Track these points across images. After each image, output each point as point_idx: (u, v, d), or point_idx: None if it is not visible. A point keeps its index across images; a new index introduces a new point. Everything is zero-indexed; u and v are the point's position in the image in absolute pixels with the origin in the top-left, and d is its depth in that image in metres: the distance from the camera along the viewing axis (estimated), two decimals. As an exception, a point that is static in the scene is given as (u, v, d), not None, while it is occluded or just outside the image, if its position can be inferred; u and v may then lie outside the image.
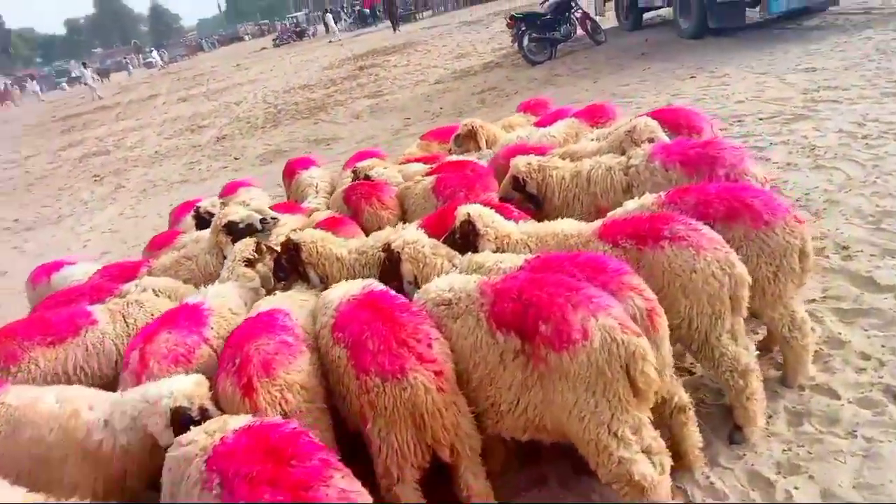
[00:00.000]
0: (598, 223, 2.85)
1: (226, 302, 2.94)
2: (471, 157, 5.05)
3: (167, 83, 34.99)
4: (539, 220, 3.73)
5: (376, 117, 12.36)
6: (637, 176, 3.46)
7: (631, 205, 3.01)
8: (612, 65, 11.60)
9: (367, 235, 3.87)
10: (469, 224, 2.87)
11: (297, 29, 50.32)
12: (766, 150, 5.94)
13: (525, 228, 2.98)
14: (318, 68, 24.25)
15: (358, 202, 4.00)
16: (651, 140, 3.72)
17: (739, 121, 6.89)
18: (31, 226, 9.77)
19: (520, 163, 3.71)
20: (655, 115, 4.16)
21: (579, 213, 3.62)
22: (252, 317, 2.67)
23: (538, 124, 5.03)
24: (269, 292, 3.23)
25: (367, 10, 45.38)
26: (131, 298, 3.17)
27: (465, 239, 2.89)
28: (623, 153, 3.73)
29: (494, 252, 2.84)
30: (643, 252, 2.62)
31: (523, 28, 13.45)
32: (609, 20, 16.43)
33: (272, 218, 3.80)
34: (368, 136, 10.75)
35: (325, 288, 2.97)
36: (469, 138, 5.12)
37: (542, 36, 13.48)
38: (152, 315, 3.05)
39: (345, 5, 54.49)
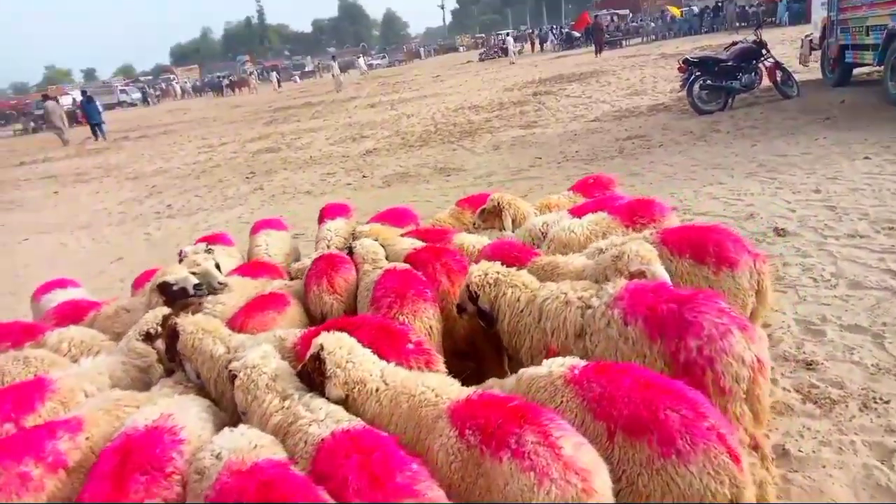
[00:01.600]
0: (457, 397, 2.20)
1: (80, 383, 2.76)
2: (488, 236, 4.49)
3: (371, 87, 37.53)
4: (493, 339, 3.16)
5: (513, 151, 11.90)
6: (593, 322, 2.69)
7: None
8: (785, 127, 9.93)
9: (310, 321, 3.54)
10: (317, 361, 2.38)
11: (504, 46, 51.19)
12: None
13: (391, 376, 2.40)
14: (500, 88, 24.29)
15: (309, 278, 3.65)
16: (641, 274, 2.90)
17: (891, 229, 5.39)
18: (174, 214, 10.83)
19: (475, 271, 3.10)
20: (673, 234, 3.27)
21: (527, 349, 2.94)
22: (127, 431, 2.24)
23: (572, 211, 4.27)
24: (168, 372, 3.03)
25: (576, 33, 44.71)
26: (22, 354, 3.13)
27: (310, 378, 2.41)
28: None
29: (342, 401, 2.34)
30: (483, 457, 1.95)
31: (697, 73, 12.09)
32: (814, 71, 14.29)
33: (219, 283, 3.61)
34: (488, 172, 10.36)
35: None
36: (494, 215, 4.51)
37: (717, 84, 12.01)
38: (34, 375, 2.97)
39: (555, 27, 54.35)
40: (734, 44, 12.98)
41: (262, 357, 2.47)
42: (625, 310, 2.61)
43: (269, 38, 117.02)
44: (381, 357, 2.53)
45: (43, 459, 2.14)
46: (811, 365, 3.70)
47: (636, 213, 3.93)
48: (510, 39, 43.62)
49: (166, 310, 3.21)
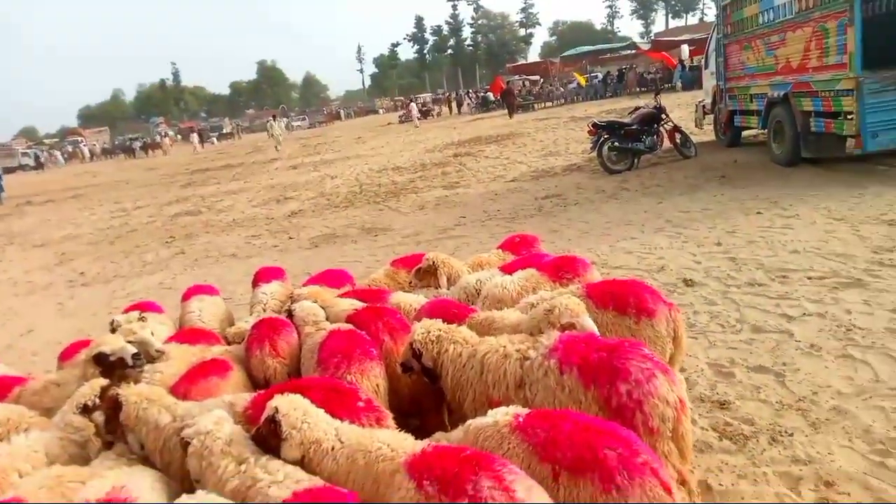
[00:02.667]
0: (411, 450, 2.32)
1: (14, 462, 2.66)
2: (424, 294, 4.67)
3: (292, 148, 37.57)
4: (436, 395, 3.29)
5: (438, 211, 12.26)
6: (532, 372, 2.89)
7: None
8: (686, 185, 10.82)
9: (254, 386, 3.55)
10: (272, 423, 2.44)
11: (424, 109, 52.77)
12: (793, 321, 5.04)
13: (345, 434, 2.49)
14: (422, 150, 24.96)
15: (250, 343, 3.68)
16: (571, 326, 3.14)
17: (783, 277, 5.97)
18: (88, 282, 10.38)
19: (418, 328, 3.25)
20: (597, 288, 3.58)
21: (471, 402, 3.09)
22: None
23: (503, 268, 4.54)
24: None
25: (492, 96, 46.74)
26: None
27: (265, 441, 2.46)
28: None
29: (298, 462, 2.40)
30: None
31: (605, 136, 13.01)
32: (708, 133, 15.69)
33: (157, 351, 3.58)
34: (415, 232, 10.60)
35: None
36: (430, 274, 4.72)
37: (623, 146, 12.96)
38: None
39: (470, 90, 56.69)
40: (637, 108, 14.12)
41: (215, 423, 2.49)
42: (560, 360, 2.83)
43: (186, 99, 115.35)
44: (333, 416, 2.61)
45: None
46: (724, 405, 4.03)
47: (561, 269, 4.23)
48: (413, 105, 45.38)
49: (104, 381, 3.13)
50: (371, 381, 3.10)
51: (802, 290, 5.62)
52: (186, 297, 5.15)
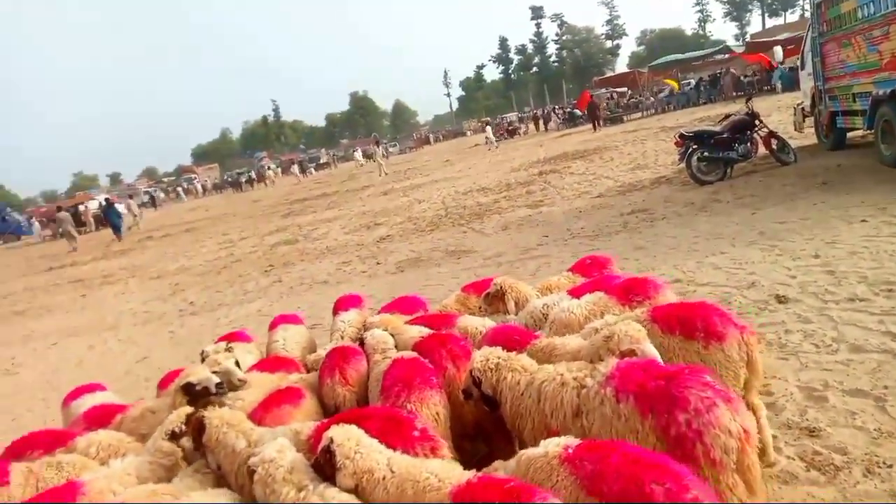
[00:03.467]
0: (458, 480, 2.36)
1: (109, 484, 2.94)
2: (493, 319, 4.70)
3: (380, 177, 38.76)
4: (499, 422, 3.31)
5: (521, 231, 12.24)
6: (588, 401, 2.86)
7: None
8: (784, 193, 10.20)
9: (325, 413, 3.71)
10: (327, 453, 2.56)
11: (510, 128, 52.98)
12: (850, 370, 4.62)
13: (396, 464, 2.57)
14: (507, 169, 25.04)
15: (322, 371, 3.86)
16: (631, 353, 3.08)
17: (889, 291, 5.51)
18: (196, 311, 11.17)
19: (478, 357, 3.30)
20: (663, 312, 3.46)
21: (530, 430, 3.08)
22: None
23: (571, 292, 4.49)
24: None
25: (579, 111, 46.19)
26: (55, 459, 3.33)
27: (323, 469, 2.58)
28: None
29: (352, 490, 2.50)
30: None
31: (693, 147, 12.53)
32: (810, 137, 14.73)
33: (239, 380, 3.82)
34: (497, 253, 10.64)
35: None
36: (498, 299, 4.74)
37: (714, 155, 12.42)
38: (68, 479, 3.16)
39: (557, 106, 56.29)
40: (727, 116, 13.53)
41: (278, 451, 2.65)
42: (616, 388, 2.78)
43: (286, 133, 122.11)
44: (388, 445, 2.70)
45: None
46: (814, 432, 3.77)
47: (631, 292, 4.13)
48: (489, 128, 45.80)
49: (189, 409, 3.40)
50: (430, 409, 3.16)
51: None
52: (272, 326, 5.47)
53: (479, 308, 4.90)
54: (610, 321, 3.61)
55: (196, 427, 3.12)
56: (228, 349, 4.50)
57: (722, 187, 11.86)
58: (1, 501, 3.03)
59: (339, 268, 12.28)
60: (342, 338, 4.91)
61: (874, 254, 6.49)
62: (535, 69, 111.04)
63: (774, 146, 12.74)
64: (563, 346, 3.48)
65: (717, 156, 12.39)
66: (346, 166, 66.54)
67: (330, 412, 3.67)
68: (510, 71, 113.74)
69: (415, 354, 3.68)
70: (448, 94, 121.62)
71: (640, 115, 40.25)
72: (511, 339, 3.68)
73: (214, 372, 3.80)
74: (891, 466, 3.34)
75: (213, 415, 3.14)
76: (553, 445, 2.48)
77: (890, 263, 6.15)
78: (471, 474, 2.40)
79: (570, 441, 2.49)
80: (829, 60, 12.06)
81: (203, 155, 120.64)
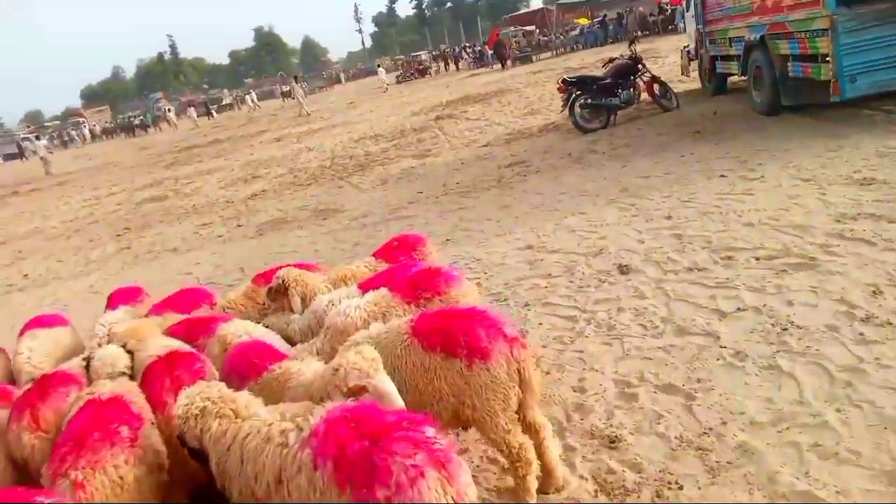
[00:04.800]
0: None
1: None
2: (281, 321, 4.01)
3: (283, 118, 36.68)
4: None
5: (398, 186, 11.52)
6: (288, 466, 2.23)
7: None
8: (657, 143, 9.91)
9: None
10: None
11: (420, 67, 51.30)
12: (725, 318, 4.30)
13: None
14: (408, 113, 24.04)
15: (11, 412, 3.03)
16: (362, 391, 2.46)
17: (729, 259, 5.20)
18: (25, 286, 9.91)
19: (181, 399, 2.60)
20: (426, 323, 2.86)
21: (238, 496, 2.44)
22: None
23: (362, 286, 3.83)
24: None
25: (489, 51, 45.05)
26: None
27: None
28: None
29: None
30: None
31: (576, 93, 12.02)
32: (696, 80, 14.55)
33: None
34: (365, 213, 9.89)
35: None
36: (282, 294, 4.04)
37: (596, 102, 11.97)
38: None
39: (467, 45, 54.88)
40: (611, 60, 13.08)
41: None
42: (315, 450, 2.16)
43: (186, 72, 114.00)
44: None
45: None
46: (615, 442, 3.36)
47: (419, 287, 3.52)
48: (381, 69, 44.64)
49: None
50: (109, 474, 2.44)
51: (745, 276, 4.86)
52: (22, 332, 4.52)
53: (264, 305, 4.19)
54: (372, 333, 3.00)
55: None
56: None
57: (602, 136, 11.49)
58: None
59: (196, 231, 11.19)
60: (99, 344, 4.06)
61: (723, 214, 6.21)
62: (449, 5, 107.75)
63: (657, 91, 12.44)
64: (297, 376, 2.83)
65: (599, 102, 11.96)
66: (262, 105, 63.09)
67: (20, 468, 2.91)
68: (423, 6, 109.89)
69: (125, 389, 2.93)
70: (360, 31, 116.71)
71: (549, 54, 39.67)
72: (248, 364, 3.00)
73: None
74: (681, 488, 2.97)
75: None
76: None
77: (736, 226, 5.88)
78: None
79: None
80: (709, 3, 11.75)
81: (93, 96, 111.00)
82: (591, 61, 26.66)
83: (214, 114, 60.02)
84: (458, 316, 2.88)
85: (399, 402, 2.46)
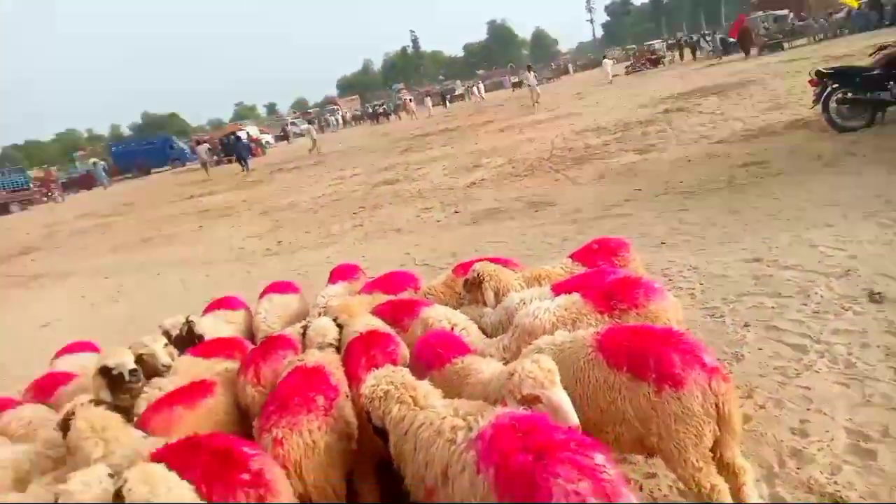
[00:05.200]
0: None
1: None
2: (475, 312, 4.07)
3: (509, 109, 37.45)
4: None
5: (615, 182, 11.09)
6: (453, 463, 2.25)
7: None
8: (940, 149, 8.20)
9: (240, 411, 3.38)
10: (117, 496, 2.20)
11: (653, 56, 48.72)
12: None
13: None
14: (635, 105, 23.04)
15: (240, 365, 3.49)
16: (535, 400, 2.38)
17: None
18: (279, 252, 11.43)
19: (368, 381, 2.76)
20: (614, 338, 2.67)
21: (410, 479, 2.53)
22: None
23: (555, 288, 3.72)
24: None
25: (732, 39, 41.21)
26: None
27: None
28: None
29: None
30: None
31: (833, 85, 10.44)
32: None
33: (163, 366, 3.59)
34: (577, 208, 9.67)
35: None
36: (476, 287, 4.08)
37: (860, 96, 10.27)
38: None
39: (707, 33, 50.63)
40: (883, 48, 11.10)
41: (83, 483, 2.36)
42: (480, 454, 2.15)
43: (425, 65, 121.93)
44: (207, 490, 2.30)
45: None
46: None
47: (615, 297, 3.31)
48: (607, 61, 41.78)
49: (76, 401, 3.18)
50: (304, 437, 2.69)
51: None
52: (261, 295, 5.22)
53: (459, 295, 4.29)
54: (566, 339, 2.89)
55: (62, 427, 2.93)
56: (189, 322, 4.32)
57: (865, 136, 9.85)
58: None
59: (418, 214, 11.94)
60: (319, 315, 4.51)
61: None
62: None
63: (947, 85, 10.26)
64: (476, 374, 2.83)
65: (863, 97, 10.23)
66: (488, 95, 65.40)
67: (243, 413, 3.35)
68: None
69: (327, 361, 3.21)
70: (591, 21, 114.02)
71: (804, 41, 35.04)
72: (433, 353, 3.09)
73: (140, 355, 3.60)
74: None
75: (82, 414, 2.92)
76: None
77: None
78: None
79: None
80: None
81: (347, 86, 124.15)
82: (859, 48, 22.95)
83: (447, 103, 63.45)
84: (651, 335, 2.65)
85: (573, 419, 2.34)
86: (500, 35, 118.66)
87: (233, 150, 34.91)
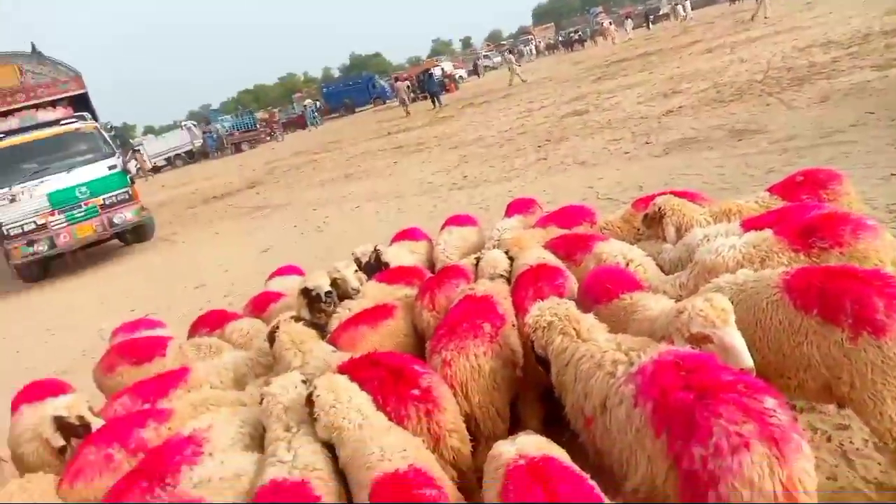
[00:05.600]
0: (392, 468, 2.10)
1: (208, 376, 3.41)
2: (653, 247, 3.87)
3: (722, 26, 33.72)
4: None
5: (842, 105, 9.60)
6: (612, 395, 2.23)
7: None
8: None
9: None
10: (309, 402, 2.55)
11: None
12: None
13: (365, 429, 2.42)
14: (880, 13, 19.53)
15: (418, 292, 3.72)
16: (704, 339, 2.25)
17: None
18: (464, 185, 11.76)
19: (533, 311, 2.79)
20: (804, 278, 2.38)
21: (570, 408, 2.57)
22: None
23: (745, 224, 3.37)
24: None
25: None
26: (200, 341, 3.96)
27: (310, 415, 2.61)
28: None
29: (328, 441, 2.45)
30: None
31: None
32: None
33: (353, 289, 3.93)
34: (790, 135, 8.59)
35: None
36: (656, 222, 3.83)
37: None
38: (200, 360, 3.75)
39: None
40: None
41: (282, 386, 2.73)
42: (638, 388, 2.10)
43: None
44: (381, 401, 2.55)
45: (126, 445, 2.82)
46: None
47: (814, 233, 2.94)
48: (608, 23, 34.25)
49: (284, 317, 3.63)
50: (470, 360, 2.82)
51: None
52: (441, 228, 5.44)
53: (638, 231, 4.10)
54: (749, 277, 2.67)
55: (269, 338, 3.39)
56: (376, 250, 4.68)
57: None
58: (160, 370, 3.78)
59: (605, 146, 11.47)
60: (493, 247, 4.62)
61: None
62: None
63: None
64: (643, 311, 2.72)
65: None
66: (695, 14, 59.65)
67: (419, 335, 3.60)
68: None
69: (496, 290, 3.29)
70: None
71: None
72: (601, 287, 3.01)
73: (334, 279, 4.01)
74: None
75: (284, 328, 3.35)
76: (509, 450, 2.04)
77: None
78: (414, 458, 2.15)
79: (527, 450, 2.00)
80: None
81: (542, 15, 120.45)
82: None
83: (650, 25, 58.83)
84: (850, 276, 2.34)
85: (747, 361, 2.18)
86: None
87: (426, 86, 36.20)
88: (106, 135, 13.55)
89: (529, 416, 3.16)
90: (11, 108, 13.01)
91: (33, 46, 13.68)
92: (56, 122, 13.08)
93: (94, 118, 13.95)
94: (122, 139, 15.70)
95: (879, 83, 10.24)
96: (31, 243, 12.34)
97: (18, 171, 12.30)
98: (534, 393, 3.21)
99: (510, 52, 48.36)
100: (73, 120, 13.26)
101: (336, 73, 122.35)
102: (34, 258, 12.57)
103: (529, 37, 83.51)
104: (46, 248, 12.47)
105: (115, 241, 15.41)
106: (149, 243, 15.14)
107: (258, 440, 2.74)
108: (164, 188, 28.69)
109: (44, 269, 13.45)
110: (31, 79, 13.31)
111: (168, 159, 47.26)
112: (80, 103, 14.01)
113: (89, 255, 14.48)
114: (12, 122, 12.76)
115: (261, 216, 14.98)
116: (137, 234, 14.57)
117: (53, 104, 13.47)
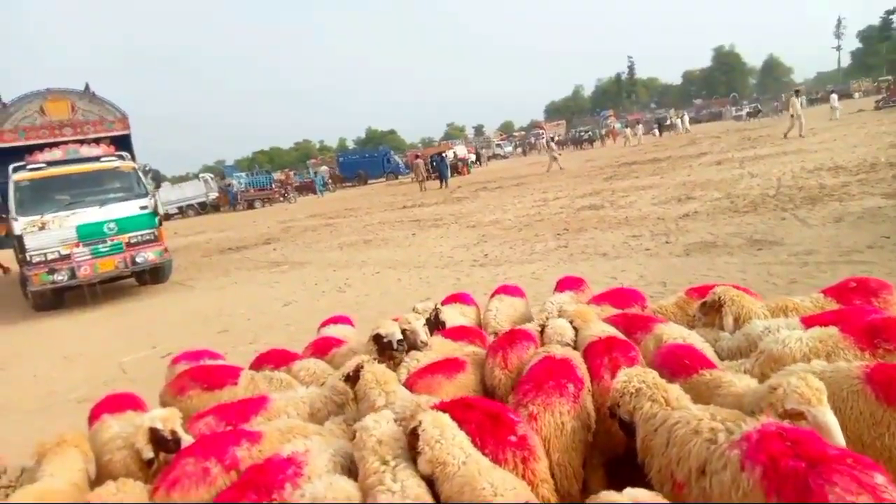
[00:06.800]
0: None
1: (286, 406, 3.54)
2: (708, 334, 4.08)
3: (729, 140, 35.31)
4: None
5: (857, 227, 10.07)
6: (714, 460, 2.37)
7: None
8: None
9: (484, 391, 3.79)
10: (413, 435, 2.66)
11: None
12: None
13: (470, 465, 2.52)
14: (886, 144, 20.72)
15: (488, 351, 3.87)
16: (798, 416, 2.42)
17: None
18: (485, 263, 12.06)
19: (620, 377, 2.96)
20: (888, 373, 2.58)
21: (656, 472, 2.70)
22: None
23: (805, 321, 3.59)
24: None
25: None
26: (272, 374, 4.15)
27: (412, 449, 2.69)
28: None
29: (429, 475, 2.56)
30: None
31: None
32: None
33: (421, 342, 4.10)
34: (809, 250, 8.97)
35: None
36: (714, 310, 4.06)
37: None
38: (270, 392, 3.88)
39: None
40: None
41: (375, 421, 2.86)
42: (745, 453, 2.25)
43: (637, 91, 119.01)
44: (479, 443, 2.68)
45: (223, 461, 2.91)
46: None
47: (879, 335, 3.16)
48: (834, 96, 36.28)
49: (362, 359, 3.82)
50: (555, 417, 2.97)
51: None
52: (492, 294, 5.67)
53: (693, 317, 4.31)
54: (816, 368, 2.87)
55: (353, 376, 3.54)
56: (437, 309, 4.88)
57: None
58: (230, 398, 3.91)
59: (626, 241, 11.85)
60: (546, 318, 4.82)
61: None
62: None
63: None
64: (728, 386, 2.89)
65: None
66: (699, 128, 62.26)
67: (486, 392, 3.74)
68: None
69: (569, 355, 3.47)
70: (839, 48, 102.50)
71: None
72: (679, 363, 3.20)
73: (404, 330, 4.18)
74: None
75: (369, 369, 3.50)
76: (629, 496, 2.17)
77: None
78: (525, 496, 2.26)
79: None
80: None
81: (555, 111, 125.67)
82: None
83: (657, 132, 61.41)
84: (931, 374, 2.54)
85: (840, 440, 2.35)
86: (725, 62, 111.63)
87: (438, 166, 38.17)
88: (143, 176, 13.94)
89: (594, 480, 3.26)
90: (59, 140, 13.51)
91: (87, 86, 14.30)
92: (97, 159, 13.51)
93: (133, 158, 14.39)
94: (158, 181, 16.11)
95: (892, 210, 10.76)
96: (52, 272, 12.45)
97: (53, 202, 12.60)
98: (599, 459, 3.32)
99: (552, 139, 50.32)
100: (114, 158, 13.69)
101: (351, 144, 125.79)
102: (52, 287, 12.64)
103: (541, 130, 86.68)
104: (66, 278, 12.58)
105: (130, 280, 15.53)
106: (162, 285, 15.25)
107: (348, 472, 2.83)
108: (177, 235, 28.97)
109: (59, 300, 13.49)
110: (80, 115, 13.86)
111: (180, 208, 48.01)
112: (123, 143, 14.52)
113: (105, 290, 14.55)
114: (56, 154, 13.16)
115: (279, 272, 15.17)
116: (155, 275, 14.72)
117: (97, 141, 13.95)
